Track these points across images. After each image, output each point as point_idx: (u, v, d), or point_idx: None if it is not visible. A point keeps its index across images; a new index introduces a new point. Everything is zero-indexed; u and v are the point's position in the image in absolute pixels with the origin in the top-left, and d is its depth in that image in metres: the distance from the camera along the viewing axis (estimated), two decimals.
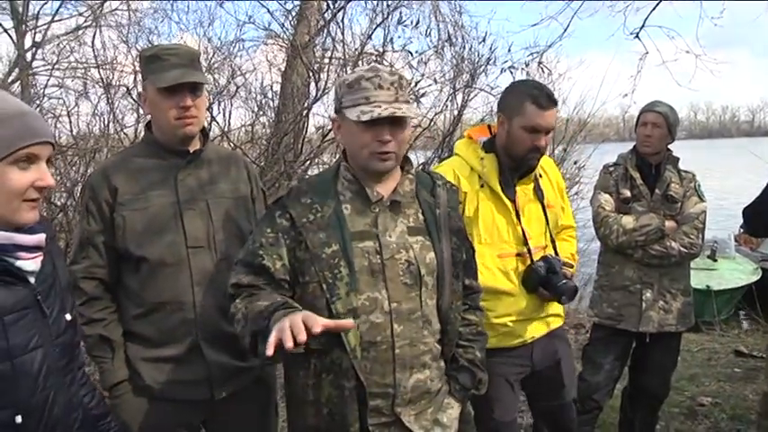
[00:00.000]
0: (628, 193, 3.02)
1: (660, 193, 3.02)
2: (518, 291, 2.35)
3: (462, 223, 1.92)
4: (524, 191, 2.40)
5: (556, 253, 2.41)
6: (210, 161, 2.07)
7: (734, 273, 7.24)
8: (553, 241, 2.44)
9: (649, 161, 3.06)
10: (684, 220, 3.00)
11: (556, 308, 2.48)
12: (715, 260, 7.64)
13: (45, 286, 1.42)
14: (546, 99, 2.26)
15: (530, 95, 2.25)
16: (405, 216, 1.76)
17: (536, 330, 2.42)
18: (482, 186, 2.35)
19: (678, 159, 3.09)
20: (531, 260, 2.34)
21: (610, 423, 3.58)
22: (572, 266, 2.46)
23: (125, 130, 5.63)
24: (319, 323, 1.40)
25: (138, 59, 2.15)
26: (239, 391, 2.02)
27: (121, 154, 2.23)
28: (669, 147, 3.09)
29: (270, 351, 1.37)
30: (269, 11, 6.66)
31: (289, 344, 1.35)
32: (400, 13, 5.75)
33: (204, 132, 2.11)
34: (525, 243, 2.35)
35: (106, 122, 5.57)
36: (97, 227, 1.97)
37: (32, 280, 1.38)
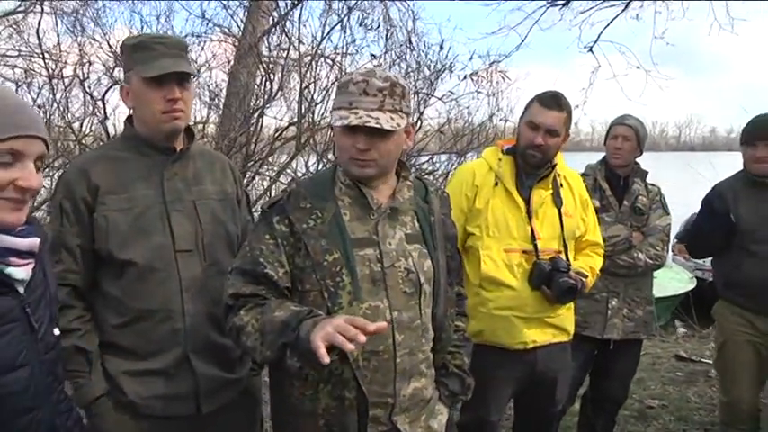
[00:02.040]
0: (597, 204, 3.09)
1: (628, 205, 3.13)
2: (520, 286, 2.41)
3: (455, 230, 1.92)
4: (540, 194, 2.47)
5: (567, 259, 2.46)
6: (195, 160, 1.97)
7: (672, 281, 7.55)
8: (566, 248, 2.48)
9: (618, 173, 3.16)
10: (651, 231, 3.11)
11: (563, 322, 2.53)
12: None
13: (35, 297, 1.29)
14: (549, 99, 2.43)
15: (538, 96, 2.44)
16: (402, 223, 1.73)
17: (538, 336, 2.46)
18: (496, 185, 2.46)
19: (646, 173, 3.21)
20: (537, 257, 2.40)
21: (568, 426, 3.66)
22: (586, 276, 2.50)
23: (72, 124, 5.36)
24: (369, 324, 1.42)
25: (120, 51, 2.02)
26: (226, 403, 1.93)
27: (100, 150, 2.09)
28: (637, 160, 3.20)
29: (326, 359, 1.37)
30: (225, 6, 6.47)
31: (349, 347, 1.37)
32: (360, 14, 5.73)
33: (189, 130, 1.99)
34: (533, 241, 2.40)
35: (49, 114, 5.29)
36: (72, 228, 1.82)
37: (21, 289, 1.25)
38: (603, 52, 6.65)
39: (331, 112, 1.68)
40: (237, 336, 1.60)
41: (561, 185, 2.54)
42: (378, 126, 1.58)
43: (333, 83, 5.69)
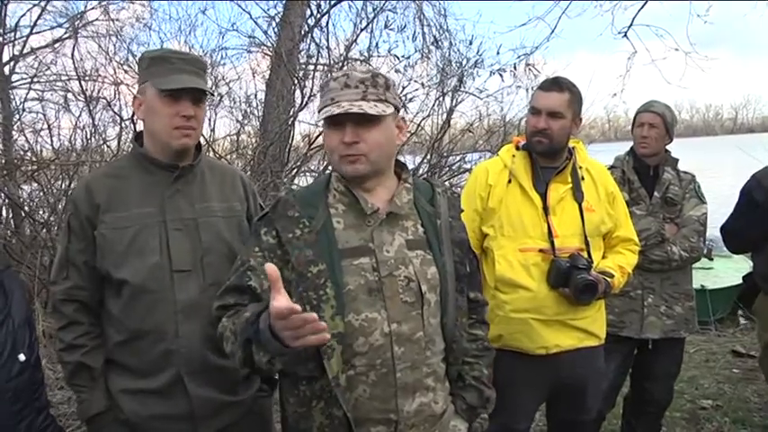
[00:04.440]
0: (626, 197, 2.93)
1: (659, 196, 2.96)
2: (537, 287, 2.29)
3: (465, 233, 1.80)
4: (558, 189, 2.35)
5: (589, 256, 2.32)
6: (203, 177, 1.92)
7: (729, 271, 7.16)
8: (587, 245, 2.35)
9: (647, 163, 2.99)
10: (685, 222, 2.94)
11: (591, 325, 2.39)
12: (711, 259, 7.55)
13: None
14: (549, 82, 2.36)
15: (539, 84, 2.40)
16: (403, 229, 1.63)
17: (561, 340, 2.32)
18: (510, 182, 2.37)
19: (677, 160, 3.03)
20: (555, 255, 2.28)
21: (611, 431, 3.49)
22: (612, 276, 2.35)
23: (108, 143, 5.50)
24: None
25: (138, 62, 2.00)
26: (229, 426, 1.88)
27: (107, 167, 2.08)
28: (667, 148, 3.03)
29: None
30: (251, 17, 6.55)
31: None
32: (386, 17, 5.71)
33: (197, 146, 1.95)
34: (550, 239, 2.29)
35: (88, 136, 5.45)
36: (78, 245, 1.82)
37: None
38: (640, 37, 6.38)
39: (318, 113, 1.62)
40: (222, 344, 1.55)
41: (582, 178, 2.40)
42: (361, 111, 1.51)
43: None
